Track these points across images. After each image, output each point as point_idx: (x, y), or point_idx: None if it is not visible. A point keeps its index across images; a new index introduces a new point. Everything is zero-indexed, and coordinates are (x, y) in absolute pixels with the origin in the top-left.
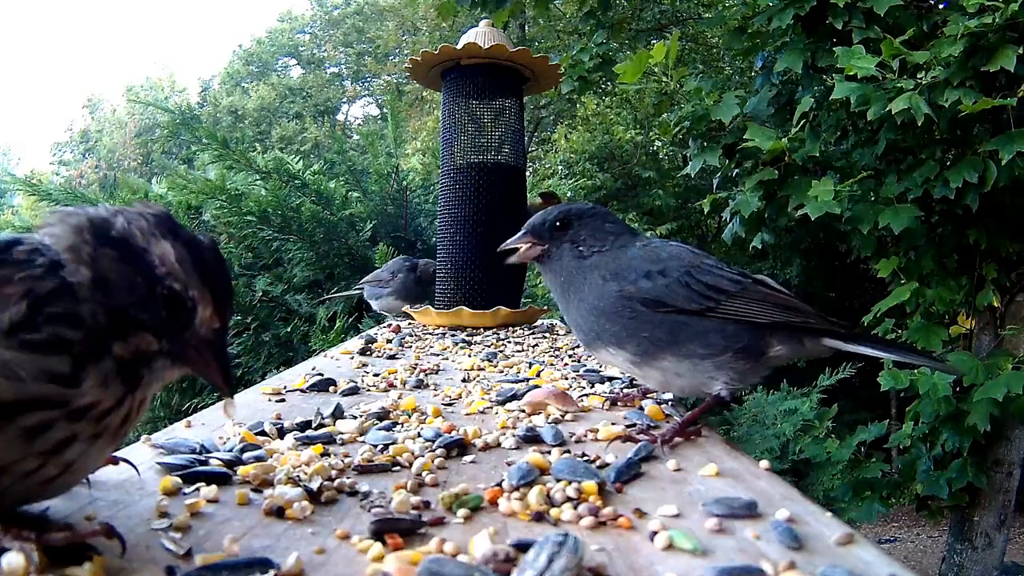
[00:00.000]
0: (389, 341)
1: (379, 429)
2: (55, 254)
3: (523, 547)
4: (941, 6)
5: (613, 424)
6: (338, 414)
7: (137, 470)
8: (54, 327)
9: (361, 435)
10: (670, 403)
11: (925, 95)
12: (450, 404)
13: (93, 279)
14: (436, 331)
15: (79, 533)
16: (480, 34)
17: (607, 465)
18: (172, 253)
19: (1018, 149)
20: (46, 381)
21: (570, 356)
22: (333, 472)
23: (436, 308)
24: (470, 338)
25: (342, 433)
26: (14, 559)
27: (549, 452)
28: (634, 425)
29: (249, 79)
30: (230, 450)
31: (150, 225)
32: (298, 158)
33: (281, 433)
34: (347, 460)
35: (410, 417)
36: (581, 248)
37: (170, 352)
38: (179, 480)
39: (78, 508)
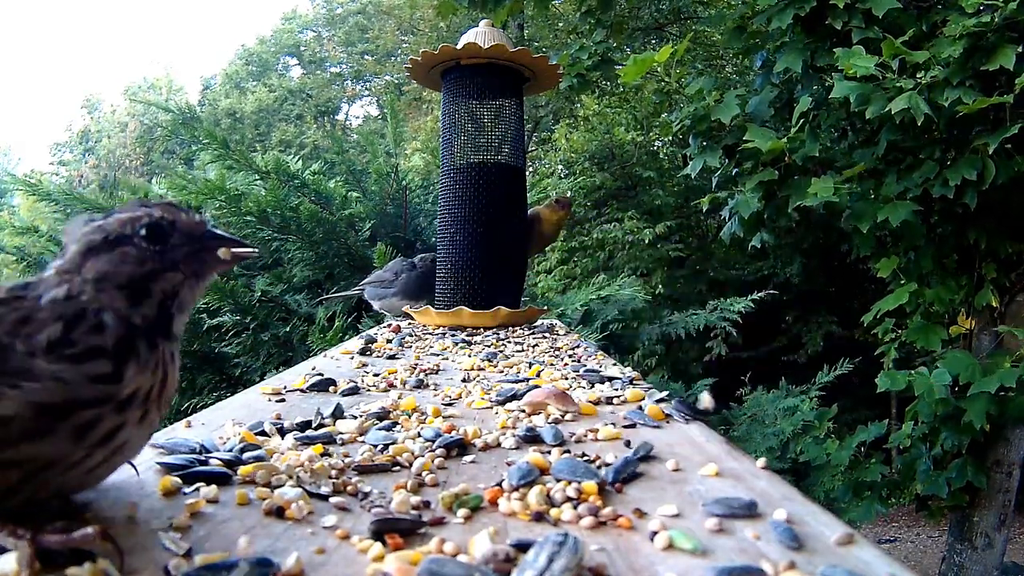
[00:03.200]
0: (389, 341)
1: (379, 429)
2: (76, 292)
3: (523, 547)
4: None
5: (613, 424)
6: (338, 414)
7: (136, 470)
8: (87, 339)
9: (361, 435)
10: (673, 403)
11: (924, 95)
12: (450, 404)
13: (95, 285)
14: (436, 331)
15: (73, 538)
16: (480, 34)
17: (607, 465)
18: (120, 214)
19: (1003, 137)
20: (92, 383)
21: (570, 356)
22: (333, 472)
23: (436, 308)
24: (470, 338)
25: (342, 433)
26: (6, 561)
27: (549, 452)
28: (634, 425)
29: (249, 79)
30: (230, 450)
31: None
32: (297, 159)
33: (281, 433)
34: (347, 460)
35: (410, 417)
36: None
37: (193, 273)
38: (179, 480)
39: (76, 509)
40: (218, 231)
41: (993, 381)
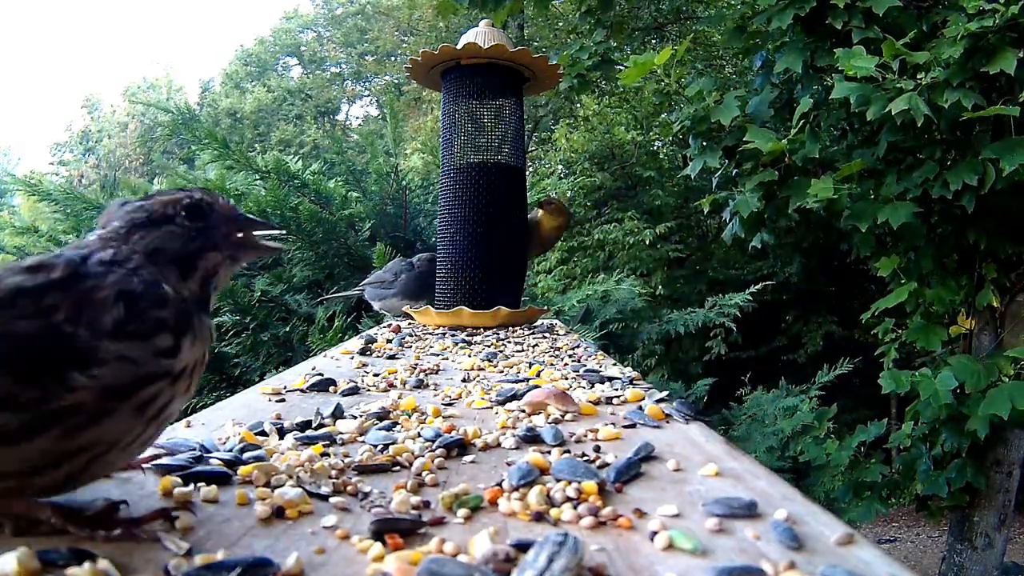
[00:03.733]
0: (389, 341)
1: (379, 429)
2: (123, 257)
3: (523, 547)
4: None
5: (613, 424)
6: (338, 414)
7: (141, 470)
8: (152, 312)
9: (361, 435)
10: (673, 403)
11: (924, 96)
12: (450, 404)
13: (147, 257)
14: (436, 331)
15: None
16: (480, 34)
17: (607, 465)
18: (161, 196)
19: (1020, 161)
20: (156, 358)
21: (570, 356)
22: (333, 472)
23: (436, 308)
24: (470, 338)
25: (342, 433)
26: (6, 561)
27: (549, 452)
28: (634, 425)
29: (248, 79)
30: (230, 450)
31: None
32: (297, 159)
33: (281, 433)
34: (347, 460)
35: (410, 417)
36: None
37: (229, 255)
38: (179, 480)
39: (78, 509)
40: (250, 216)
41: (1003, 400)
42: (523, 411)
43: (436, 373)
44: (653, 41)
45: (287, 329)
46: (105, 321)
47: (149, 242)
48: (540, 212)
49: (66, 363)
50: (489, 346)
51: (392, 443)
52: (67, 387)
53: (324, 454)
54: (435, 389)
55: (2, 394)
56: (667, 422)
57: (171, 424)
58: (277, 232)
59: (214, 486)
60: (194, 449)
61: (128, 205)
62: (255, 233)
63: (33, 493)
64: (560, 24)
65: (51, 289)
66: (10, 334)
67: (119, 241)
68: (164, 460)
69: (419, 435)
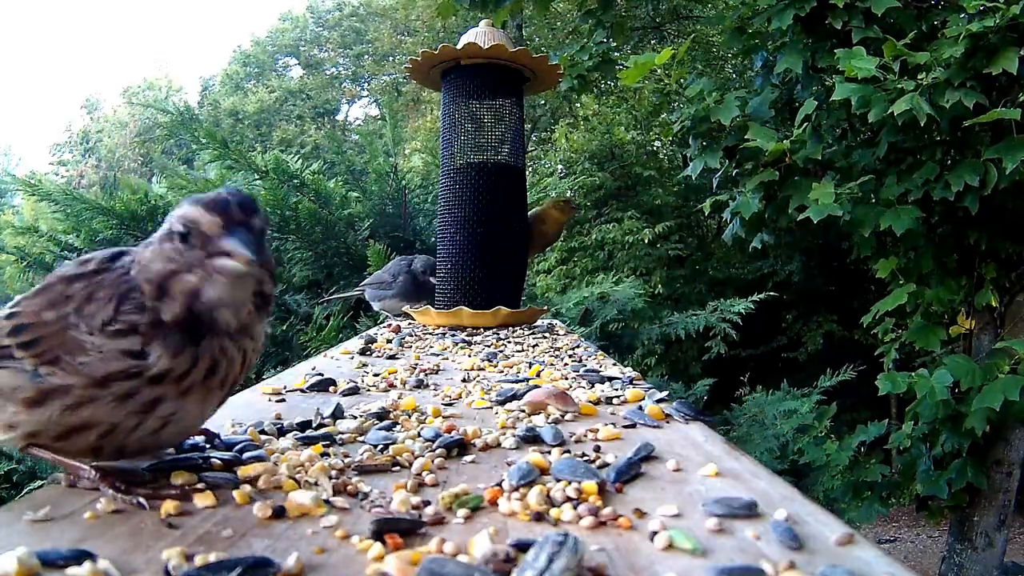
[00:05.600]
0: (389, 341)
1: (379, 429)
2: (134, 262)
3: (523, 547)
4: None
5: (613, 424)
6: (338, 414)
7: (141, 470)
8: (127, 316)
9: (361, 435)
10: (673, 403)
11: (925, 96)
12: (450, 404)
13: (141, 270)
14: (436, 331)
15: (162, 493)
16: (480, 34)
17: (607, 465)
18: (181, 210)
19: (1022, 159)
20: (123, 358)
21: (570, 356)
22: (333, 472)
23: (436, 308)
24: (470, 338)
25: (342, 433)
26: (6, 562)
27: (549, 452)
28: (634, 425)
29: (248, 80)
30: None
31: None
32: (297, 158)
33: (281, 433)
34: (347, 460)
35: (410, 417)
36: None
37: (211, 272)
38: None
39: (81, 506)
40: (231, 238)
41: (996, 393)
42: (523, 411)
43: (436, 373)
44: (652, 41)
45: (284, 328)
46: (97, 321)
47: (147, 255)
48: (550, 206)
49: (64, 351)
50: (489, 346)
51: (392, 443)
52: (63, 370)
53: (324, 454)
54: (435, 389)
55: (23, 366)
56: (667, 422)
57: (193, 424)
58: (247, 256)
59: (214, 486)
60: (194, 449)
61: (176, 210)
62: (221, 255)
63: (73, 456)
64: (560, 24)
65: (78, 279)
66: (39, 323)
67: (147, 247)
68: (164, 460)
69: (419, 435)
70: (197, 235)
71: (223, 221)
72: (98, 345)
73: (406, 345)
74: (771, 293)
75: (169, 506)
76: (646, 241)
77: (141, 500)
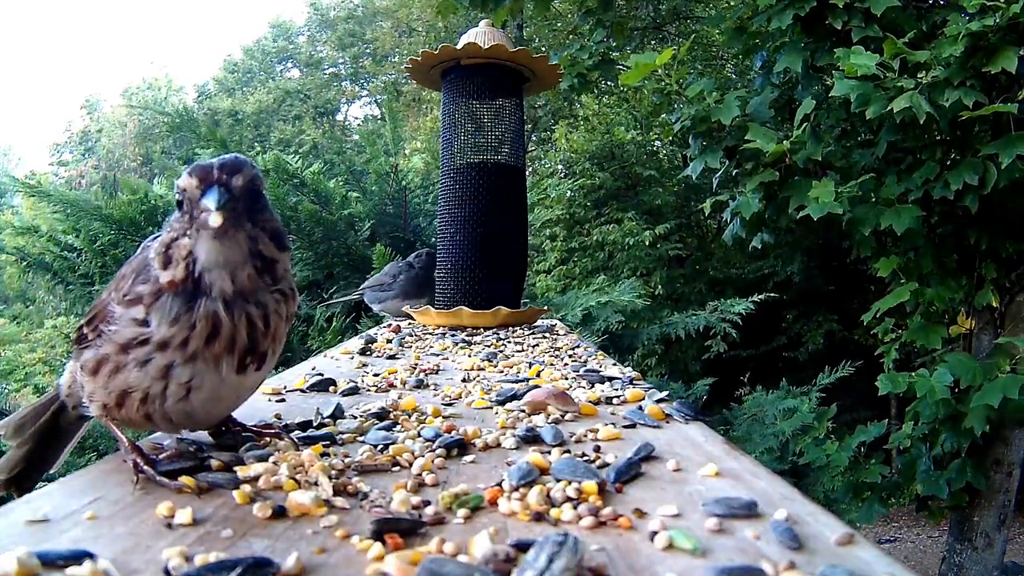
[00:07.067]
0: (389, 341)
1: (379, 429)
2: (154, 241)
3: (523, 547)
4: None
5: (613, 424)
6: (338, 414)
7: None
8: (136, 287)
9: (361, 435)
10: (674, 403)
11: (925, 95)
12: (450, 404)
13: (155, 245)
14: (436, 331)
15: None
16: (480, 34)
17: (607, 465)
18: (177, 180)
19: (1018, 152)
20: (133, 325)
21: (570, 356)
22: (333, 472)
23: (436, 308)
24: (470, 338)
25: (342, 433)
26: (6, 561)
27: (549, 452)
28: (634, 425)
29: (239, 86)
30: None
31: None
32: (297, 158)
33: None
34: (347, 460)
35: (410, 417)
36: None
37: (196, 230)
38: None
39: (81, 506)
40: (206, 196)
41: (996, 392)
42: (523, 411)
43: (436, 373)
44: (653, 42)
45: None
46: (122, 291)
47: (163, 229)
48: None
49: (104, 324)
50: (489, 346)
51: (392, 443)
52: (104, 339)
53: (324, 454)
54: (435, 389)
55: (93, 344)
56: (667, 422)
57: (216, 396)
58: (211, 208)
59: (214, 486)
60: (195, 448)
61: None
62: (202, 213)
63: (132, 426)
64: (560, 24)
65: (127, 263)
66: (98, 303)
67: (168, 227)
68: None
69: (419, 435)
70: (187, 201)
71: (198, 182)
72: (118, 316)
73: (406, 345)
74: (771, 293)
75: (189, 482)
76: (646, 242)
77: (158, 476)
